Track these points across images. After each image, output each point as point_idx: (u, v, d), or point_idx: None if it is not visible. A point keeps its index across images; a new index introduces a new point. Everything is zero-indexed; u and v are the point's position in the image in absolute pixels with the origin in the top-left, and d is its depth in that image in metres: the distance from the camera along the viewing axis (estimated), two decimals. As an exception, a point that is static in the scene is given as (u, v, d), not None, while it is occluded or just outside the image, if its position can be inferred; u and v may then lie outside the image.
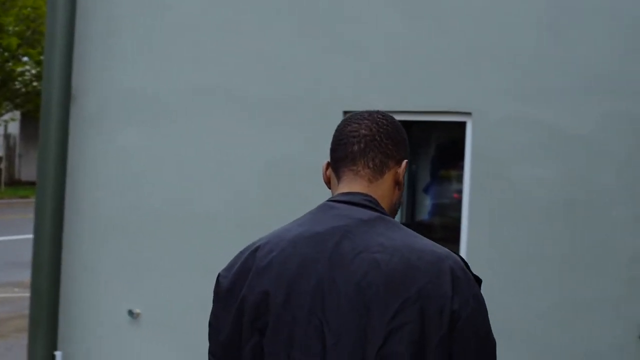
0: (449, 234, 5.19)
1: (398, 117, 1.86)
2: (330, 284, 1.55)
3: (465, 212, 4.80)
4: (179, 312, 5.29)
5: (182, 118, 5.32)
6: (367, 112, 1.77)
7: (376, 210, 1.66)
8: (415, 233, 1.64)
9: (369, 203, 1.67)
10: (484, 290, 1.66)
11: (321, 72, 5.01)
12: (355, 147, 1.71)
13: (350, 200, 1.67)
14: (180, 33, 5.36)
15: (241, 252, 1.70)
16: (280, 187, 5.05)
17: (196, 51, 5.31)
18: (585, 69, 4.47)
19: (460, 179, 5.27)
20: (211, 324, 1.70)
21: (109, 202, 5.50)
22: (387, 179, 1.72)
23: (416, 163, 5.75)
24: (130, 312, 5.33)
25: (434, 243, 1.62)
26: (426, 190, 5.87)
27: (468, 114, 4.75)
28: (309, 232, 1.62)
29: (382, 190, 1.71)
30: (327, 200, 1.70)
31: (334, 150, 1.76)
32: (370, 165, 1.70)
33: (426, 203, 5.88)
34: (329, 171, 1.78)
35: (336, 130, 1.77)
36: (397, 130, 1.75)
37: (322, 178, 1.80)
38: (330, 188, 1.79)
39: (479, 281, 1.62)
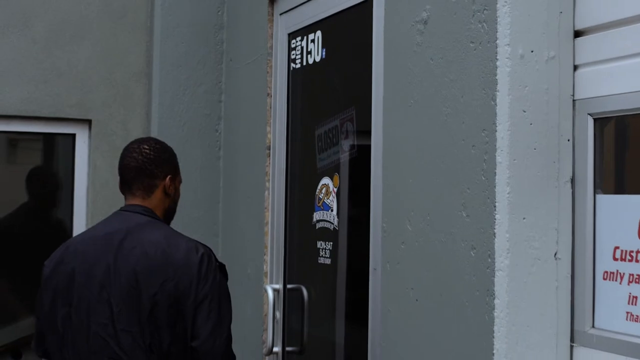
0: None
1: None
2: (115, 270, 2.28)
3: None
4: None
5: None
6: (137, 144, 2.44)
7: (150, 217, 2.38)
8: (175, 231, 2.37)
9: (144, 212, 2.39)
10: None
11: None
12: (128, 177, 2.41)
13: (132, 210, 2.40)
14: None
15: (60, 248, 2.41)
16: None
17: None
18: None
19: None
20: (36, 301, 2.40)
21: None
22: (157, 192, 2.41)
23: None
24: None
25: (189, 238, 2.36)
26: None
27: None
28: (104, 232, 2.37)
29: (155, 201, 2.42)
30: (119, 210, 2.43)
31: (119, 177, 2.44)
32: (142, 187, 2.40)
33: None
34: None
35: (119, 161, 2.44)
36: (160, 155, 2.42)
37: None
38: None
39: (222, 266, 2.36)
